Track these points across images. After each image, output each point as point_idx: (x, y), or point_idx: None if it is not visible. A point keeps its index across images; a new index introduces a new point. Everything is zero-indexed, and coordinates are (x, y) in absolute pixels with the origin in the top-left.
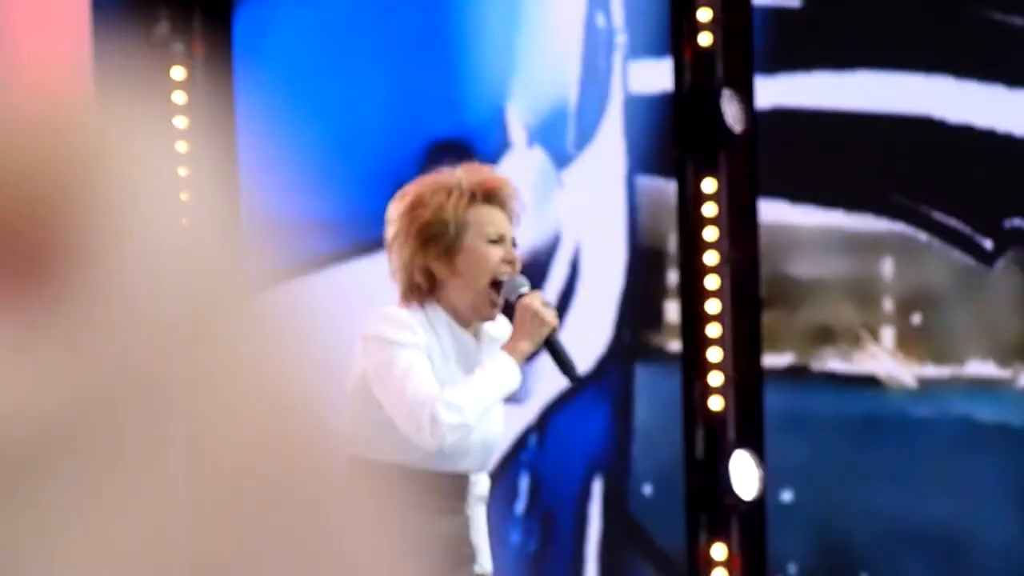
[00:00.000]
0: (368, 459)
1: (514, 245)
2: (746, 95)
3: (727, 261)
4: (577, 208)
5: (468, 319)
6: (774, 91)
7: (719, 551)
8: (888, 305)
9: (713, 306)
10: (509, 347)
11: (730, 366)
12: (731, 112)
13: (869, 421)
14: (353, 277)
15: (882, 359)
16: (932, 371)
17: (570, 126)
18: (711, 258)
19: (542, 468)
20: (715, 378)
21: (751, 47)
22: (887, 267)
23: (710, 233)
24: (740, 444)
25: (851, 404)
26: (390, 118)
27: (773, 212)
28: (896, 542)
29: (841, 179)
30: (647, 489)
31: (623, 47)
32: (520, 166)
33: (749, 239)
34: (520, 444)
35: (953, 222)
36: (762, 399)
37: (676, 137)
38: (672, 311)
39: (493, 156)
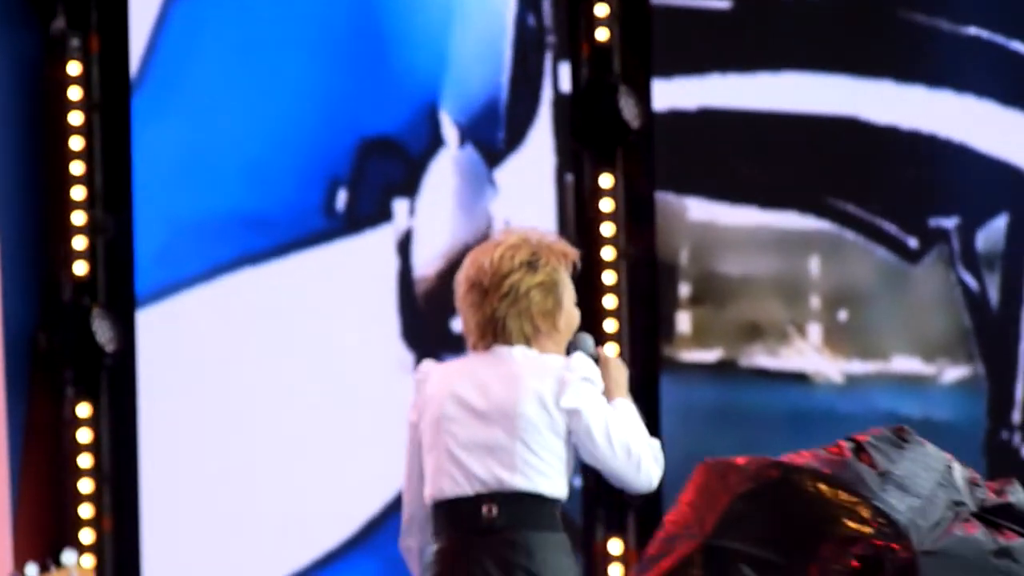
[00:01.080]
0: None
1: None
2: (644, 91)
3: (624, 256)
4: (508, 205)
5: None
6: (703, 92)
7: (615, 546)
8: (815, 302)
9: (610, 301)
10: (619, 394)
11: (626, 361)
12: (628, 108)
13: (796, 416)
14: (286, 273)
15: (809, 355)
16: (858, 367)
17: (501, 125)
18: (608, 253)
19: None
20: None
21: (649, 43)
22: (814, 265)
23: (607, 228)
24: None
25: (778, 399)
26: (323, 115)
27: (702, 211)
28: None
29: (769, 179)
30: (575, 481)
31: (553, 47)
32: (452, 164)
33: (647, 234)
34: None
35: (879, 221)
36: (658, 394)
37: (573, 132)
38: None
39: (425, 154)
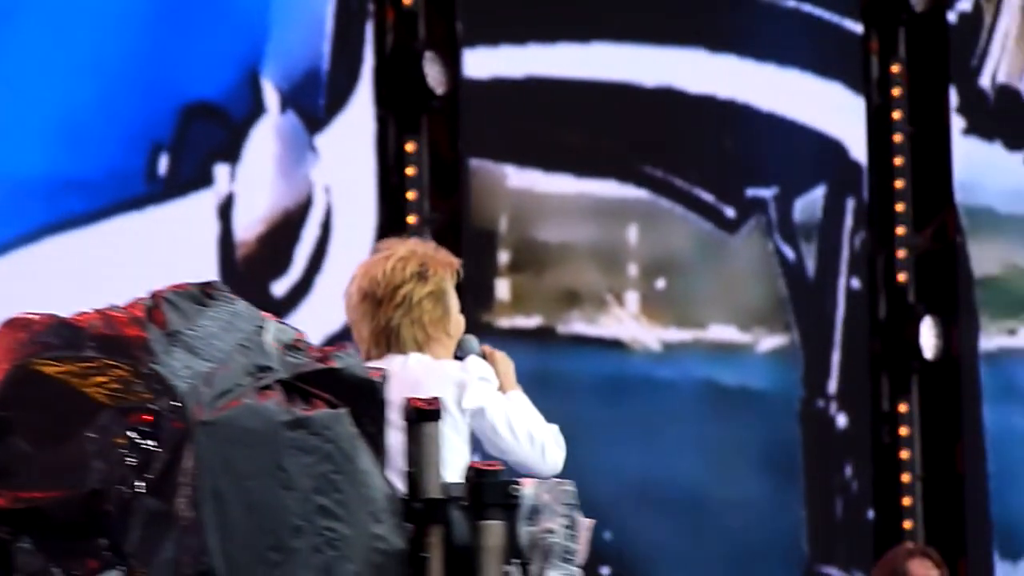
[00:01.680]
0: None
1: None
2: (450, 57)
3: (428, 222)
4: (329, 172)
5: None
6: (524, 60)
7: None
8: (633, 270)
9: None
10: (511, 386)
11: None
12: (433, 74)
13: (614, 383)
14: (106, 237)
15: (627, 323)
16: (675, 335)
17: (322, 91)
18: (412, 220)
19: None
20: None
21: (454, 9)
22: (632, 233)
23: (411, 194)
24: None
25: (596, 366)
26: (145, 80)
27: (522, 178)
28: (640, 501)
29: (588, 147)
30: None
31: (374, 14)
32: (273, 130)
33: (452, 201)
34: None
35: (696, 190)
36: None
37: (378, 98)
38: None
39: (246, 120)
